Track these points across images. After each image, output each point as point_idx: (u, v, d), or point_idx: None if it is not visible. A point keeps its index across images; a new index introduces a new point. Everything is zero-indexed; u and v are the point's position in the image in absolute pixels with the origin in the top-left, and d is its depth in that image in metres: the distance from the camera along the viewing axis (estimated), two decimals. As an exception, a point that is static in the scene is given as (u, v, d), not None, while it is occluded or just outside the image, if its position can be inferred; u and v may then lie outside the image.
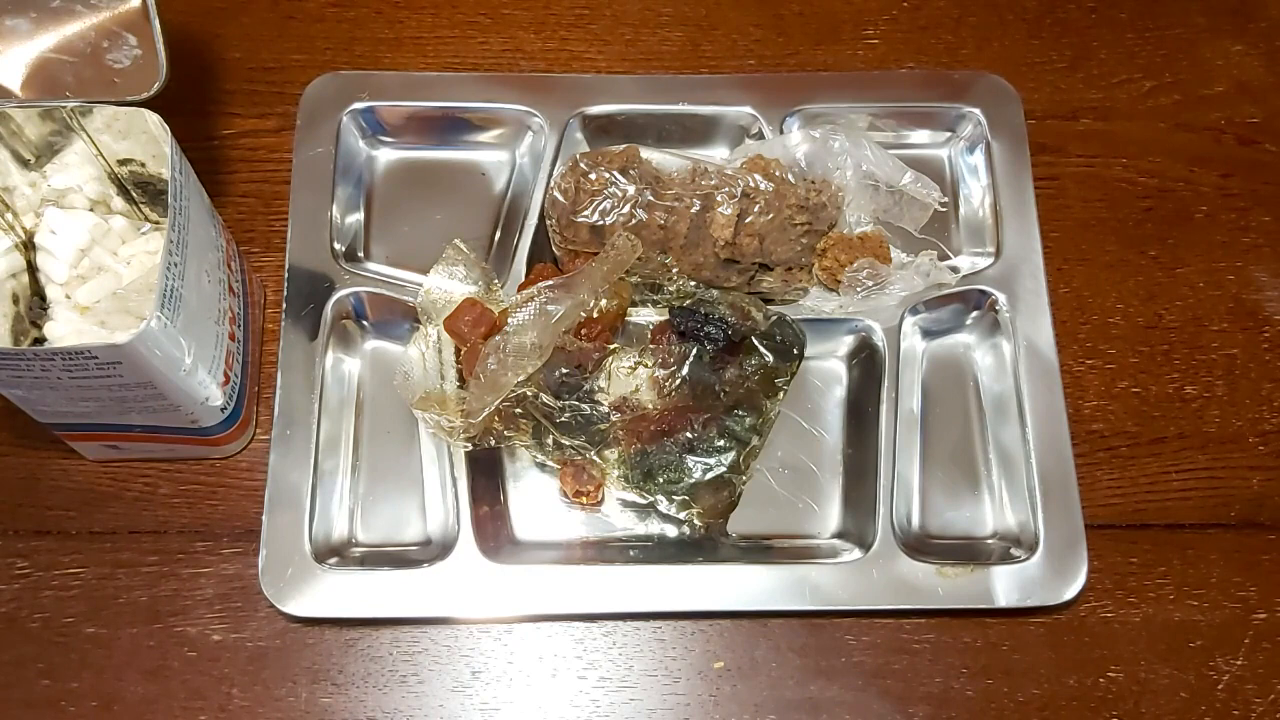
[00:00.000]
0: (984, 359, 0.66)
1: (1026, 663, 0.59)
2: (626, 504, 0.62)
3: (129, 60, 0.58)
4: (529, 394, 0.59)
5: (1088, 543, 0.60)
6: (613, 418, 0.60)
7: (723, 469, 0.59)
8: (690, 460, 0.59)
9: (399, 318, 0.64)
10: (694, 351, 0.61)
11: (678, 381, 0.61)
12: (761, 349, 0.62)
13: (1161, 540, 0.63)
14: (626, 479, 0.60)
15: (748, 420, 0.61)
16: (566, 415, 0.60)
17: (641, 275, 0.64)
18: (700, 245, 0.62)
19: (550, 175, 0.66)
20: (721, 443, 0.60)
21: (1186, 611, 0.61)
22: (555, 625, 0.59)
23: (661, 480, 0.59)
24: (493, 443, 0.60)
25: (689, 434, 0.59)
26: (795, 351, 0.63)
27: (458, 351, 0.61)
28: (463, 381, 0.61)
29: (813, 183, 0.65)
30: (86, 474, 0.62)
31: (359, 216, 0.68)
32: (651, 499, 0.60)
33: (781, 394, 0.62)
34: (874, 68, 0.74)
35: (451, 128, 0.70)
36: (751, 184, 0.62)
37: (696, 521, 0.60)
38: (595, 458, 0.60)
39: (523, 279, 0.64)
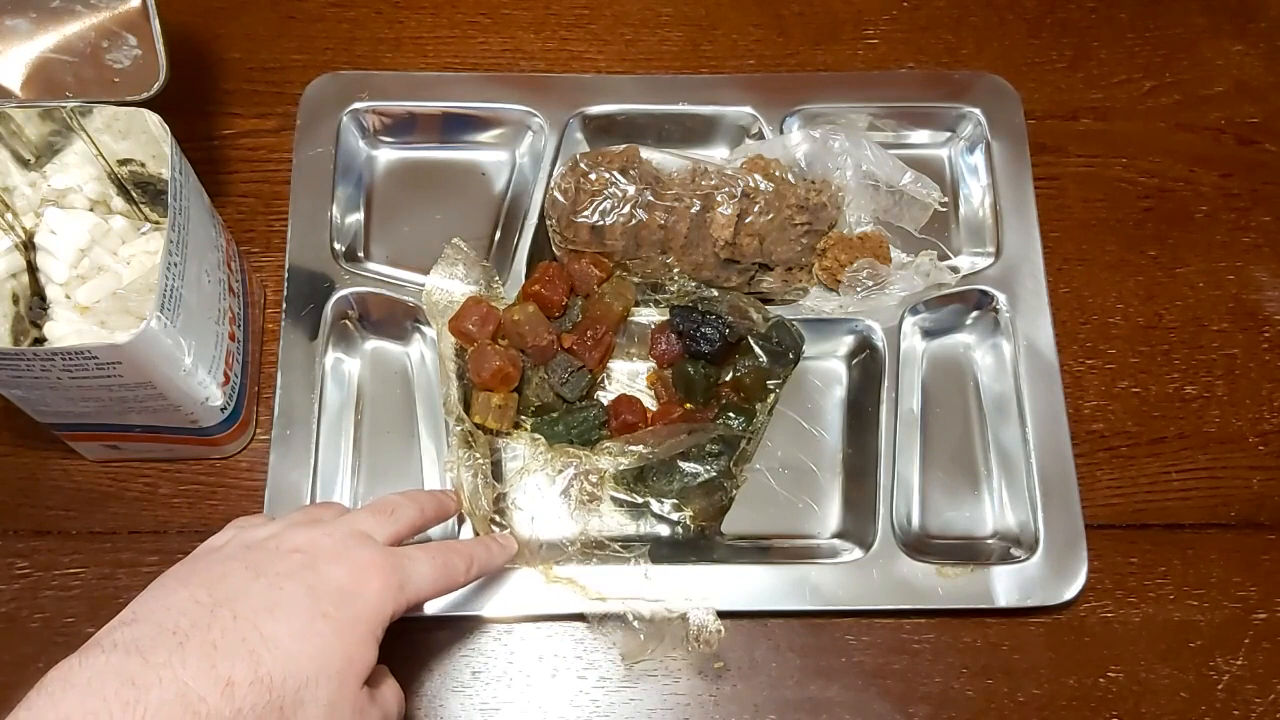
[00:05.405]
0: (984, 359, 0.66)
1: (1026, 663, 0.59)
2: (624, 504, 0.62)
3: (129, 60, 0.58)
4: (531, 387, 0.59)
5: (1088, 543, 0.60)
6: (610, 419, 0.61)
7: (714, 473, 0.59)
8: (681, 464, 0.59)
9: (399, 317, 0.64)
10: (690, 352, 0.61)
11: (673, 381, 0.61)
12: (757, 349, 0.62)
13: (1161, 540, 0.63)
14: (618, 479, 0.60)
15: (738, 423, 0.60)
16: (565, 415, 0.60)
17: (642, 275, 0.64)
18: (700, 245, 0.62)
19: (550, 175, 0.66)
20: (713, 447, 0.60)
21: (1186, 611, 0.61)
22: (555, 625, 0.59)
23: (652, 483, 0.59)
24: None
25: (682, 435, 0.59)
26: (791, 355, 0.62)
27: (459, 351, 0.61)
28: (463, 379, 0.60)
29: (813, 183, 0.65)
30: (86, 474, 0.62)
31: (359, 216, 0.68)
32: (644, 500, 0.60)
33: (772, 396, 0.62)
34: (874, 68, 0.74)
35: (451, 128, 0.70)
36: (751, 184, 0.62)
37: (689, 523, 0.60)
38: (593, 457, 0.60)
39: (523, 279, 0.64)
